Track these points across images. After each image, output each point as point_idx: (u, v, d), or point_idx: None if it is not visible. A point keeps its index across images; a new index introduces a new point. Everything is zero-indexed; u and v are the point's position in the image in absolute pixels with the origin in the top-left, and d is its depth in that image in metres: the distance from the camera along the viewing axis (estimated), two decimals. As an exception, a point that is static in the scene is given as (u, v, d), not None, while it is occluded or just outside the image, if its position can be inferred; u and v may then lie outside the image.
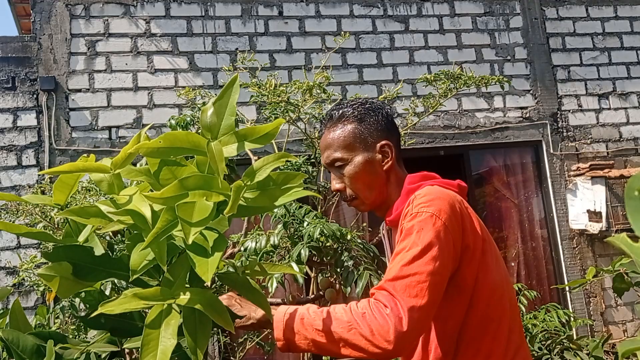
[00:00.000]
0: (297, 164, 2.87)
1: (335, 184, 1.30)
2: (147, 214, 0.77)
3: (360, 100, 1.35)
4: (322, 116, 1.40)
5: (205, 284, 0.82)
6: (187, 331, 0.77)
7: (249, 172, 0.83)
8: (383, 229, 1.45)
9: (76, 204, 2.28)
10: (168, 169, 0.83)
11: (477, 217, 1.20)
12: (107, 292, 1.86)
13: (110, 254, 0.89)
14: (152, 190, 0.84)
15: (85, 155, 0.91)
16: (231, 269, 0.94)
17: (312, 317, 1.05)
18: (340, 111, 1.31)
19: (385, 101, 3.68)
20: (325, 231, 2.07)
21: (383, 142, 1.28)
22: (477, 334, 1.14)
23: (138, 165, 0.95)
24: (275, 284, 2.11)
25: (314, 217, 2.25)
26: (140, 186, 0.85)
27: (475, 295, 1.14)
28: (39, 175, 3.96)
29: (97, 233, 0.91)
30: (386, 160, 1.28)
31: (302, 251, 2.10)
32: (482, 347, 1.14)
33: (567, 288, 4.59)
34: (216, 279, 0.96)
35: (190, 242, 0.72)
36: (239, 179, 0.81)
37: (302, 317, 1.06)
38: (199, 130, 0.87)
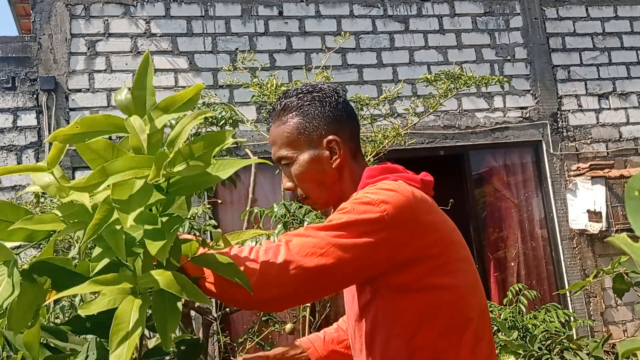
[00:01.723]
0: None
1: (286, 183, 1.19)
2: (87, 202, 0.74)
3: (307, 88, 1.19)
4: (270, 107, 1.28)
5: (175, 267, 0.80)
6: (155, 315, 0.75)
7: (170, 140, 0.79)
8: None
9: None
10: (102, 161, 0.80)
11: (442, 219, 1.08)
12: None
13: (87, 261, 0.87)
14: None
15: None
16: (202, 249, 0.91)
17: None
18: (284, 102, 1.17)
19: (385, 100, 3.68)
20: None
21: (330, 137, 1.13)
22: (439, 344, 1.02)
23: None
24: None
25: (315, 217, 2.26)
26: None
27: (428, 303, 1.02)
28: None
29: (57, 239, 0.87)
30: (334, 158, 1.14)
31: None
32: (442, 355, 1.02)
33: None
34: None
35: (128, 225, 0.69)
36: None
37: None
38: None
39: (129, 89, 0.81)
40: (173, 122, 0.94)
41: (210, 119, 2.82)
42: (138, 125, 0.76)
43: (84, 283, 0.74)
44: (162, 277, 0.75)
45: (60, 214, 0.77)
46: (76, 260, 0.87)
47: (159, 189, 0.78)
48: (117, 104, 0.82)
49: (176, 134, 0.79)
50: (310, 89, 1.18)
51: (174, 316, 0.76)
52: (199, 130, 2.91)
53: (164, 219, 0.77)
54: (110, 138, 0.87)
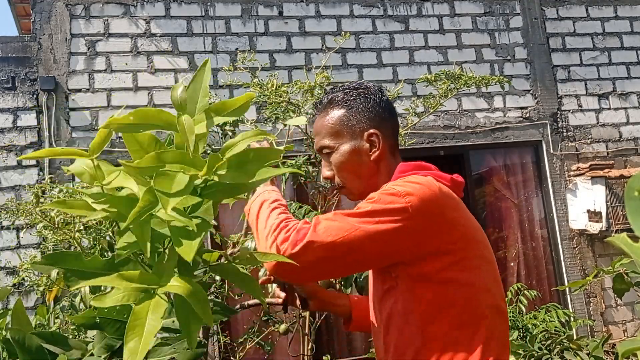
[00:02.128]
0: (297, 163, 2.87)
1: (325, 172, 1.26)
2: (135, 187, 0.76)
3: (353, 85, 1.28)
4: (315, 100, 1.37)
5: (195, 273, 0.82)
6: (178, 315, 0.77)
7: (226, 147, 0.82)
8: None
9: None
10: (144, 153, 0.82)
11: (467, 215, 1.14)
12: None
13: (107, 255, 0.89)
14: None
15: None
16: (223, 260, 0.94)
17: (263, 197, 1.17)
18: (331, 96, 1.26)
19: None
20: None
21: (371, 130, 1.20)
22: (451, 336, 1.06)
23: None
24: (275, 285, 2.11)
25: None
26: (117, 172, 0.84)
27: (445, 296, 1.06)
28: (39, 175, 3.96)
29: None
30: (374, 150, 1.20)
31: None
32: (457, 351, 1.05)
33: (567, 288, 4.59)
34: (208, 270, 0.96)
35: (168, 211, 0.72)
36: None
37: (263, 195, 1.18)
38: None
39: (186, 86, 0.84)
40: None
41: (210, 119, 2.82)
42: (188, 126, 0.78)
43: (110, 276, 0.75)
44: (184, 285, 0.77)
45: (91, 201, 0.79)
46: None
47: (193, 191, 0.80)
48: (172, 100, 0.84)
49: (233, 143, 0.82)
50: (357, 86, 1.27)
51: (197, 317, 0.78)
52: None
53: (195, 221, 0.78)
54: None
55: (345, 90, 1.26)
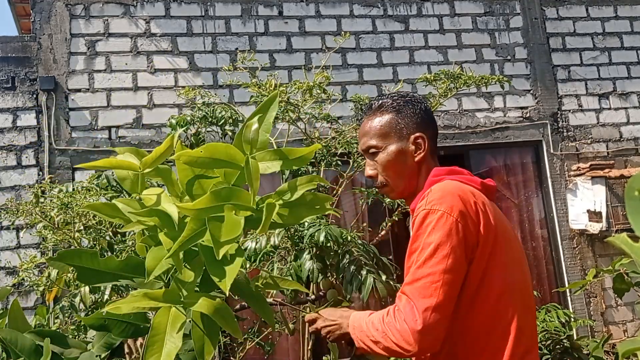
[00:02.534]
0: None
1: (369, 170, 1.36)
2: (175, 215, 0.77)
3: (401, 93, 1.40)
4: (363, 105, 1.46)
5: (218, 290, 0.82)
6: (194, 336, 0.77)
7: (281, 191, 0.84)
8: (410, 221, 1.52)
9: (76, 204, 2.28)
10: (197, 177, 0.84)
11: (497, 216, 1.22)
12: (107, 295, 1.86)
13: (113, 255, 0.89)
14: (168, 194, 0.84)
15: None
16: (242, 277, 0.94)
17: (363, 325, 1.22)
18: (380, 101, 1.37)
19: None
20: (330, 237, 2.06)
21: (417, 134, 1.32)
22: (483, 331, 1.15)
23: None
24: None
25: (315, 218, 2.25)
26: (160, 190, 0.85)
27: (481, 292, 1.15)
28: (39, 175, 3.96)
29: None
30: (419, 152, 1.32)
31: (307, 264, 2.10)
32: (488, 345, 1.14)
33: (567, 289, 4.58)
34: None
35: (219, 258, 0.73)
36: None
37: (359, 323, 1.24)
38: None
39: (259, 124, 0.85)
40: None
41: (210, 119, 2.82)
42: (254, 171, 0.80)
43: (137, 296, 0.76)
44: (208, 304, 0.77)
45: (127, 209, 0.81)
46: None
47: None
48: (244, 138, 0.84)
49: (289, 188, 0.84)
50: (404, 94, 1.39)
51: (212, 340, 0.78)
52: (199, 129, 2.91)
53: (232, 246, 0.79)
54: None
55: (394, 97, 1.37)
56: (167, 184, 0.86)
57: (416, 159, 1.32)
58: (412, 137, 1.32)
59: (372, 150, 1.34)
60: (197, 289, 0.82)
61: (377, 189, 1.42)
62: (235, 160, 0.82)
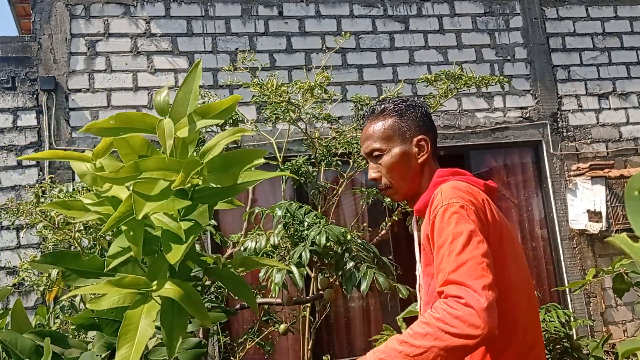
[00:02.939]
0: (297, 163, 2.87)
1: (372, 173, 1.39)
2: (124, 196, 0.77)
3: (402, 98, 1.45)
4: (365, 109, 1.57)
5: (189, 277, 0.82)
6: (163, 321, 0.77)
7: (204, 150, 0.82)
8: (411, 222, 1.54)
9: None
10: (136, 156, 0.83)
11: (499, 215, 1.25)
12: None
13: (100, 257, 0.89)
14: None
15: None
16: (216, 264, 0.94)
17: (395, 346, 1.08)
18: (383, 106, 1.41)
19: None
20: (331, 238, 2.06)
21: (420, 136, 1.36)
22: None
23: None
24: (278, 289, 2.11)
25: (315, 217, 2.25)
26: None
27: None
28: (39, 175, 3.96)
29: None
30: (422, 154, 1.35)
31: (303, 253, 2.09)
32: (497, 340, 1.12)
33: (567, 288, 4.59)
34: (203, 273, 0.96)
35: (140, 217, 0.72)
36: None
37: (386, 348, 1.10)
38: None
39: (169, 89, 0.85)
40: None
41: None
42: (168, 130, 0.79)
43: (100, 282, 0.76)
44: (175, 289, 0.77)
45: (87, 202, 0.81)
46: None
47: (183, 195, 0.80)
48: (155, 104, 0.85)
49: (211, 145, 0.83)
50: (405, 99, 1.43)
51: (181, 325, 0.77)
52: (199, 130, 2.90)
53: (185, 224, 0.78)
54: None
55: (396, 102, 1.41)
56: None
57: (419, 160, 1.35)
58: (415, 139, 1.36)
59: (376, 153, 1.37)
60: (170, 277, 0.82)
61: (380, 191, 1.41)
62: (147, 125, 0.81)
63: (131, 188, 0.76)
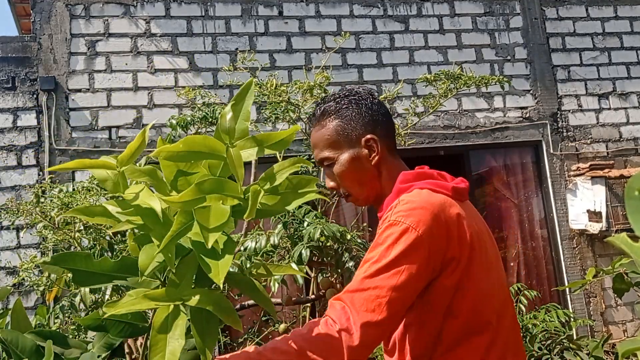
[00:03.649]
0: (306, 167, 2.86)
1: (329, 182, 1.28)
2: (158, 207, 0.77)
3: (344, 92, 1.28)
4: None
5: (214, 285, 0.82)
6: (195, 331, 0.77)
7: (266, 177, 0.84)
8: None
9: (77, 204, 2.28)
10: (181, 172, 0.83)
11: (471, 222, 1.13)
12: (107, 295, 1.86)
13: (110, 256, 0.89)
14: (153, 191, 0.84)
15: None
16: (236, 269, 0.94)
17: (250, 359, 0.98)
18: (322, 108, 1.27)
19: (385, 100, 3.68)
20: (325, 232, 2.06)
21: (368, 136, 1.21)
22: (455, 343, 1.09)
23: (137, 164, 0.95)
24: (277, 285, 2.11)
25: (314, 217, 2.26)
26: (141, 186, 0.85)
27: (455, 304, 1.09)
28: (39, 175, 3.96)
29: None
30: (373, 155, 1.22)
31: (302, 252, 2.09)
32: (458, 357, 1.09)
33: (567, 288, 4.59)
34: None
35: (209, 246, 0.72)
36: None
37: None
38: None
39: (234, 113, 0.85)
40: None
41: (210, 119, 2.82)
42: (237, 158, 0.79)
43: (137, 298, 0.76)
44: (207, 298, 0.77)
45: (115, 209, 0.80)
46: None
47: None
48: (221, 128, 0.84)
49: (273, 173, 0.84)
50: (347, 93, 1.27)
51: (212, 334, 0.78)
52: (199, 130, 2.91)
53: (220, 238, 0.78)
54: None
55: (337, 99, 1.26)
56: (154, 184, 0.86)
57: (372, 162, 1.22)
58: (363, 140, 1.21)
59: (326, 162, 1.24)
60: (193, 286, 0.82)
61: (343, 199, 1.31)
62: (215, 150, 0.81)
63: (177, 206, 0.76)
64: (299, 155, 3.16)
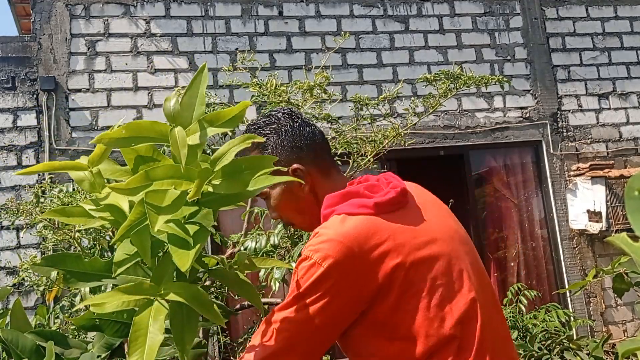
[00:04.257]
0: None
1: (272, 214, 1.24)
2: (125, 207, 0.77)
3: (263, 120, 1.21)
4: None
5: (193, 279, 0.82)
6: (173, 326, 0.77)
7: (215, 158, 0.82)
8: None
9: (76, 204, 2.28)
10: (141, 160, 0.83)
11: (403, 240, 1.03)
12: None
13: (101, 258, 0.89)
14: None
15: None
16: (221, 265, 0.94)
17: None
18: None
19: (385, 100, 3.69)
20: None
21: (294, 166, 1.15)
22: None
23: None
24: (278, 284, 2.11)
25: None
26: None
27: (404, 329, 1.01)
28: (39, 175, 3.96)
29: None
30: (303, 185, 1.16)
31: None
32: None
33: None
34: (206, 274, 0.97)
35: (155, 230, 0.72)
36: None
37: None
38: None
39: (180, 95, 0.83)
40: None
41: (210, 119, 2.81)
42: (181, 139, 0.78)
43: (108, 292, 0.76)
44: (185, 292, 0.77)
45: (89, 208, 0.80)
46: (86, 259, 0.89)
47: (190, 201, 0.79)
48: (165, 111, 0.83)
49: (222, 153, 0.82)
50: (267, 121, 1.20)
51: (191, 328, 0.77)
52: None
53: (191, 227, 0.78)
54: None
55: (258, 130, 1.19)
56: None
57: (305, 190, 1.16)
58: (290, 170, 1.14)
59: (262, 197, 1.20)
60: (175, 280, 0.82)
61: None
62: (163, 135, 0.80)
63: (137, 198, 0.75)
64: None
